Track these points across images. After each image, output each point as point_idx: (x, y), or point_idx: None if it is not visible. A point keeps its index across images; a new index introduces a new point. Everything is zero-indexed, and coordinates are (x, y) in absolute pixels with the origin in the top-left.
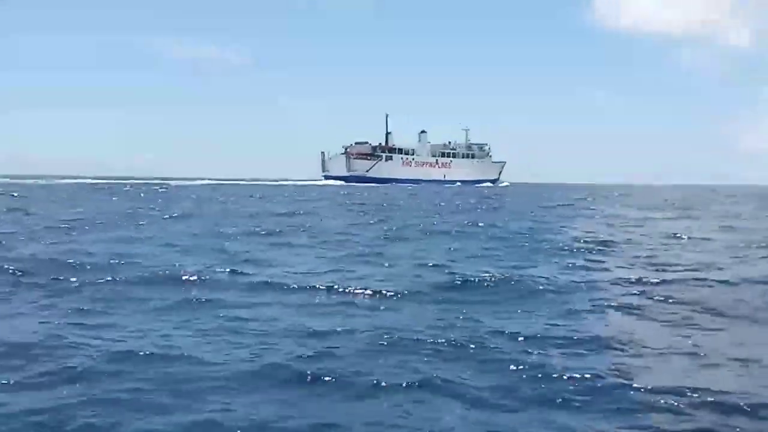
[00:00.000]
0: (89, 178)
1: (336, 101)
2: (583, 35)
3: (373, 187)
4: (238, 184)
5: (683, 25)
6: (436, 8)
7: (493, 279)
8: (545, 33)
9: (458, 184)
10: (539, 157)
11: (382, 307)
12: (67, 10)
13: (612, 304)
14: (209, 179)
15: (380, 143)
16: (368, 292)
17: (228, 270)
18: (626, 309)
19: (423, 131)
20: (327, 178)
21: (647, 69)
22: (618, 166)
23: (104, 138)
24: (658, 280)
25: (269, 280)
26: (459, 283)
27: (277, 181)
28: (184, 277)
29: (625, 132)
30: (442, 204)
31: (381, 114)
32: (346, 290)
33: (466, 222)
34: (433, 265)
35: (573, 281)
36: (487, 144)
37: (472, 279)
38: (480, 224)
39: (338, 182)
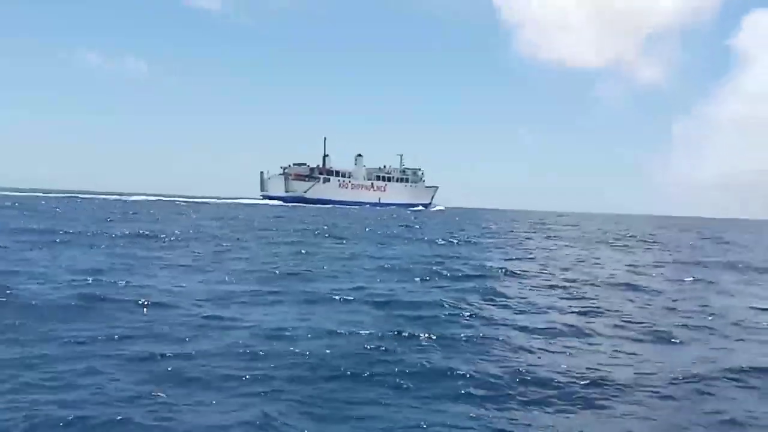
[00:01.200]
0: None
1: (274, 120)
2: (507, 68)
3: (310, 207)
4: (168, 200)
5: (600, 60)
6: (368, 39)
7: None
8: (473, 65)
9: (393, 206)
10: (472, 183)
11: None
12: None
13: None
14: (145, 194)
15: (318, 165)
16: None
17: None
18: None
19: (359, 155)
20: (265, 197)
21: (566, 102)
22: (539, 195)
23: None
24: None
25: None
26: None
27: (215, 198)
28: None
29: (545, 162)
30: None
31: (318, 136)
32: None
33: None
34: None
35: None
36: (420, 169)
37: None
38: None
39: (276, 202)
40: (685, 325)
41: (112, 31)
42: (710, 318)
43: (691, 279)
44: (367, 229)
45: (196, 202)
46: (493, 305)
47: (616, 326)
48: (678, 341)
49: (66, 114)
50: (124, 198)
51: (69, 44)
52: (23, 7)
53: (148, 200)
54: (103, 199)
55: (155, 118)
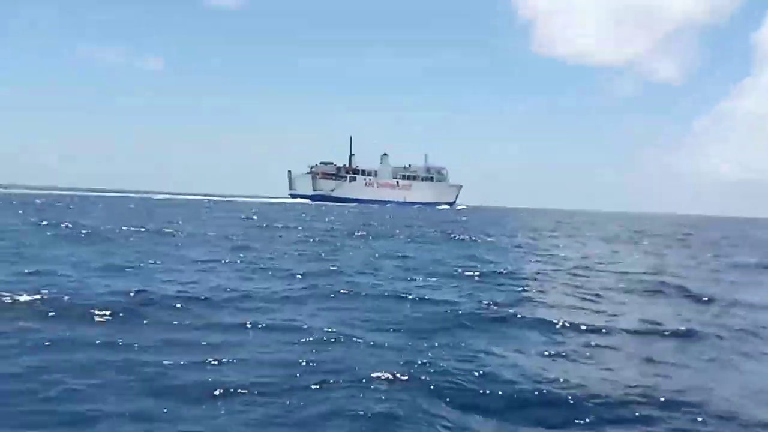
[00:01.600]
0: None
1: (302, 119)
2: (522, 63)
3: (338, 206)
4: (199, 198)
5: (616, 56)
6: (388, 33)
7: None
8: (489, 61)
9: (417, 206)
10: (494, 182)
11: None
12: None
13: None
14: (166, 193)
15: (344, 164)
16: None
17: None
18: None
19: (385, 154)
20: (293, 196)
21: (582, 97)
22: (557, 193)
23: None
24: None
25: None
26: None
27: (244, 197)
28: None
29: (564, 160)
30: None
31: (345, 135)
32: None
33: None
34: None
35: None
36: (445, 168)
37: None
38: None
39: (304, 200)
40: None
41: (137, 31)
42: None
43: None
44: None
45: (228, 201)
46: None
47: None
48: None
49: (96, 113)
50: (150, 196)
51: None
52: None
53: (184, 199)
54: (140, 197)
55: (179, 119)
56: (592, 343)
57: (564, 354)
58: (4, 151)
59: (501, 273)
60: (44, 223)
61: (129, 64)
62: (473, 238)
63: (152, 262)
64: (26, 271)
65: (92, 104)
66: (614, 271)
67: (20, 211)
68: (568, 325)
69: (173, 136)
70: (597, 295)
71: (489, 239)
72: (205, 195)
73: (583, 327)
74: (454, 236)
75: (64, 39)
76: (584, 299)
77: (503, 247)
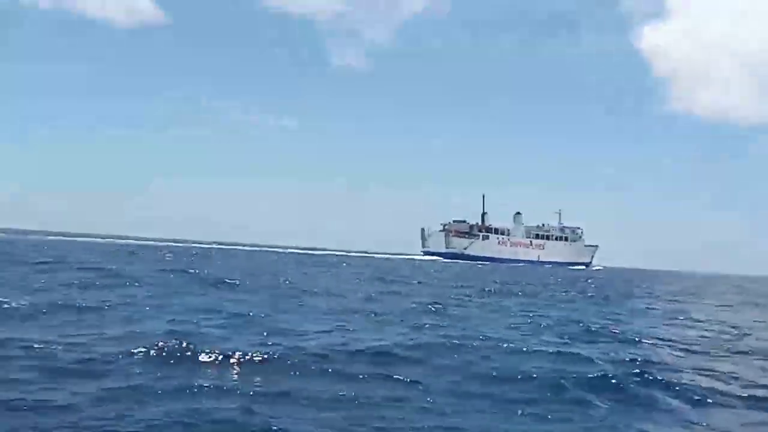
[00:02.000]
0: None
1: (432, 176)
2: (661, 122)
3: (477, 264)
4: (336, 254)
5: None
6: (521, 96)
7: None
8: (625, 120)
9: (550, 265)
10: (632, 242)
11: None
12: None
13: None
14: (305, 249)
15: (477, 222)
16: None
17: None
18: None
19: (518, 213)
20: (426, 253)
21: (728, 157)
22: (703, 256)
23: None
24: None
25: None
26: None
27: (380, 254)
28: None
29: (708, 221)
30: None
31: (477, 194)
32: None
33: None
34: None
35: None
36: (580, 228)
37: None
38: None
39: (437, 258)
40: None
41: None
42: None
43: None
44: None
45: (364, 257)
46: None
47: None
48: None
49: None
50: (298, 251)
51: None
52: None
53: (325, 254)
54: (279, 251)
55: (314, 175)
56: None
57: None
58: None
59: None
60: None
61: (265, 122)
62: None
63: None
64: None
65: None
66: None
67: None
68: None
69: (314, 194)
70: None
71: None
72: (341, 251)
73: None
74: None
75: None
76: None
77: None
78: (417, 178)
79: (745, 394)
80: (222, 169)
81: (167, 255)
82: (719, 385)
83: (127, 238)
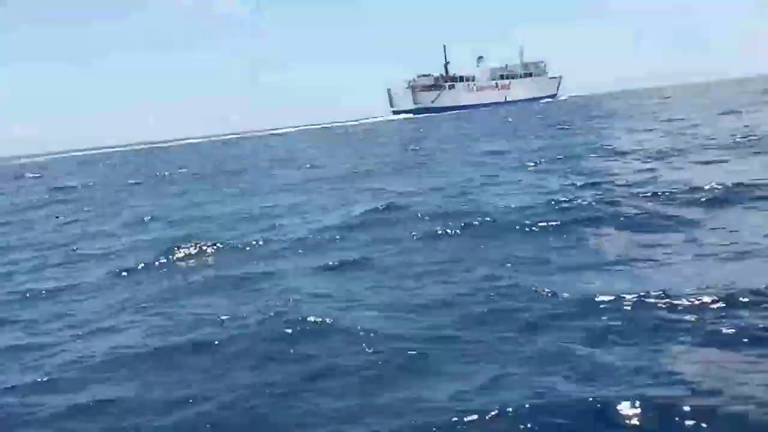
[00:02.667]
0: None
1: (394, 32)
2: None
3: (442, 116)
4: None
5: None
6: None
7: None
8: None
9: (520, 103)
10: (593, 67)
11: None
12: None
13: None
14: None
15: (441, 74)
16: None
17: None
18: None
19: (480, 57)
20: (396, 113)
21: None
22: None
23: None
24: None
25: None
26: None
27: (349, 122)
28: None
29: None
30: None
31: (437, 46)
32: None
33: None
34: None
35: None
36: (542, 61)
37: None
38: None
39: (407, 115)
40: None
41: None
42: None
43: None
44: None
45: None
46: None
47: None
48: None
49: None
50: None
51: None
52: None
53: (294, 131)
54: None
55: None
56: None
57: None
58: None
59: None
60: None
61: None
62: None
63: None
64: None
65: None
66: None
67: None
68: None
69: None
70: None
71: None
72: (309, 125)
73: None
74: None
75: None
76: None
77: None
78: (377, 37)
79: None
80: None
81: None
82: None
83: None
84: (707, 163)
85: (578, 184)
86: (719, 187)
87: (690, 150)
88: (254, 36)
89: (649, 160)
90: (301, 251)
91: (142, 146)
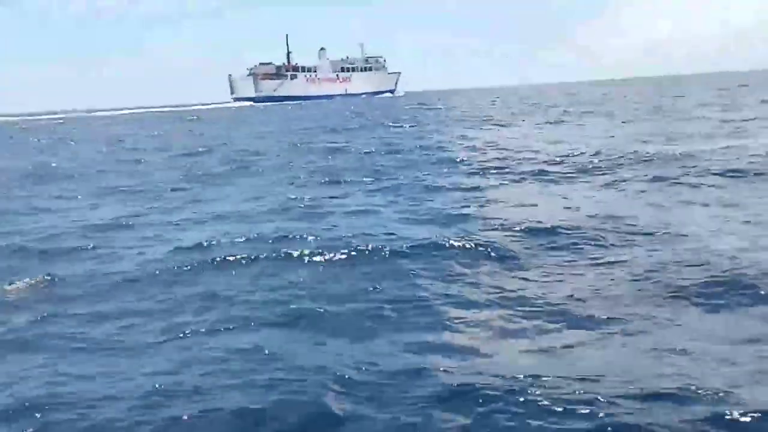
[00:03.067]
0: None
1: (235, 21)
2: None
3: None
4: (150, 111)
5: None
6: None
7: None
8: None
9: (363, 96)
10: (432, 66)
11: None
12: None
13: None
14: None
15: (283, 63)
16: None
17: None
18: None
19: (322, 48)
20: (236, 100)
21: None
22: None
23: None
24: None
25: None
26: None
27: (188, 106)
28: None
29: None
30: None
31: (280, 34)
32: None
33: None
34: None
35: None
36: (382, 57)
37: None
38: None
39: (248, 103)
40: None
41: None
42: None
43: None
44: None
45: (172, 111)
46: None
47: None
48: None
49: None
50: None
51: None
52: None
53: (131, 114)
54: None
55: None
56: None
57: None
58: None
59: None
60: None
61: None
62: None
63: None
64: None
65: None
66: None
67: None
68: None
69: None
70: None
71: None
72: (150, 108)
73: None
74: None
75: None
76: None
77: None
78: (218, 25)
79: None
80: None
81: None
82: None
83: None
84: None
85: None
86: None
87: None
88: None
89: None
90: None
91: None
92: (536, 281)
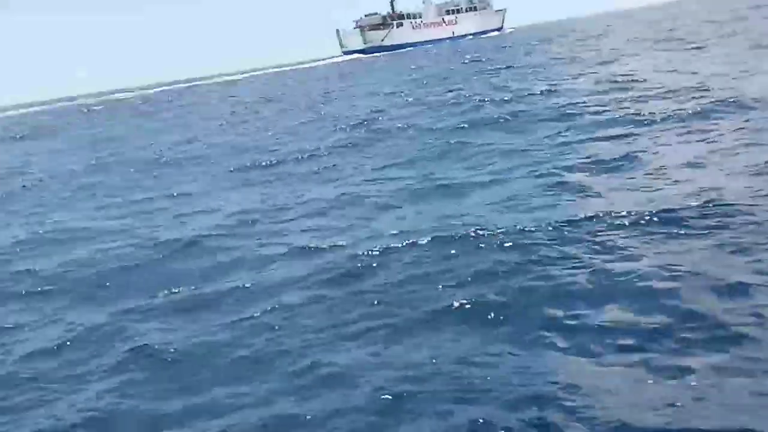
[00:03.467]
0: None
1: None
2: None
3: (393, 54)
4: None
5: None
6: None
7: None
8: None
9: (469, 37)
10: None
11: None
12: None
13: None
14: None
15: (388, 12)
16: None
17: None
18: None
19: None
20: (346, 53)
21: None
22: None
23: None
24: None
25: None
26: None
27: (300, 64)
28: None
29: None
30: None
31: None
32: None
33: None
34: None
35: None
36: None
37: None
38: None
39: (357, 55)
40: None
41: None
42: None
43: None
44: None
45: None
46: None
47: None
48: None
49: None
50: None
51: None
52: None
53: (253, 75)
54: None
55: None
56: None
57: None
58: None
59: None
60: None
61: None
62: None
63: None
64: None
65: None
66: None
67: None
68: None
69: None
70: None
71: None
72: (264, 68)
73: None
74: None
75: None
76: None
77: None
78: None
79: None
80: None
81: None
82: None
83: None
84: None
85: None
86: None
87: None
88: None
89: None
90: None
91: None
92: None
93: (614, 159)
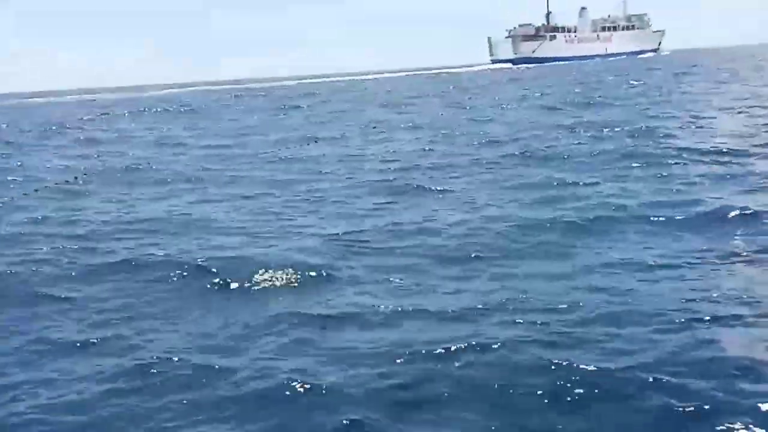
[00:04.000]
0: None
1: None
2: None
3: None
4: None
5: None
6: None
7: None
8: None
9: (623, 56)
10: (700, 22)
11: None
12: None
13: None
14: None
15: (543, 24)
16: None
17: None
18: None
19: (583, 7)
20: (495, 62)
21: None
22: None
23: None
24: None
25: None
26: None
27: (447, 68)
28: None
29: None
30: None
31: None
32: None
33: None
34: None
35: None
36: (646, 14)
37: None
38: None
39: (506, 65)
40: None
41: None
42: None
43: None
44: None
45: (448, 73)
46: None
47: None
48: None
49: None
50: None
51: None
52: None
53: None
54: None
55: None
56: None
57: None
58: None
59: None
60: None
61: None
62: None
63: None
64: None
65: None
66: None
67: None
68: None
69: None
70: None
71: None
72: (415, 70)
73: None
74: None
75: None
76: None
77: None
78: None
79: None
80: None
81: None
82: None
83: None
84: None
85: None
86: None
87: None
88: None
89: None
90: None
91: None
92: None
93: None
